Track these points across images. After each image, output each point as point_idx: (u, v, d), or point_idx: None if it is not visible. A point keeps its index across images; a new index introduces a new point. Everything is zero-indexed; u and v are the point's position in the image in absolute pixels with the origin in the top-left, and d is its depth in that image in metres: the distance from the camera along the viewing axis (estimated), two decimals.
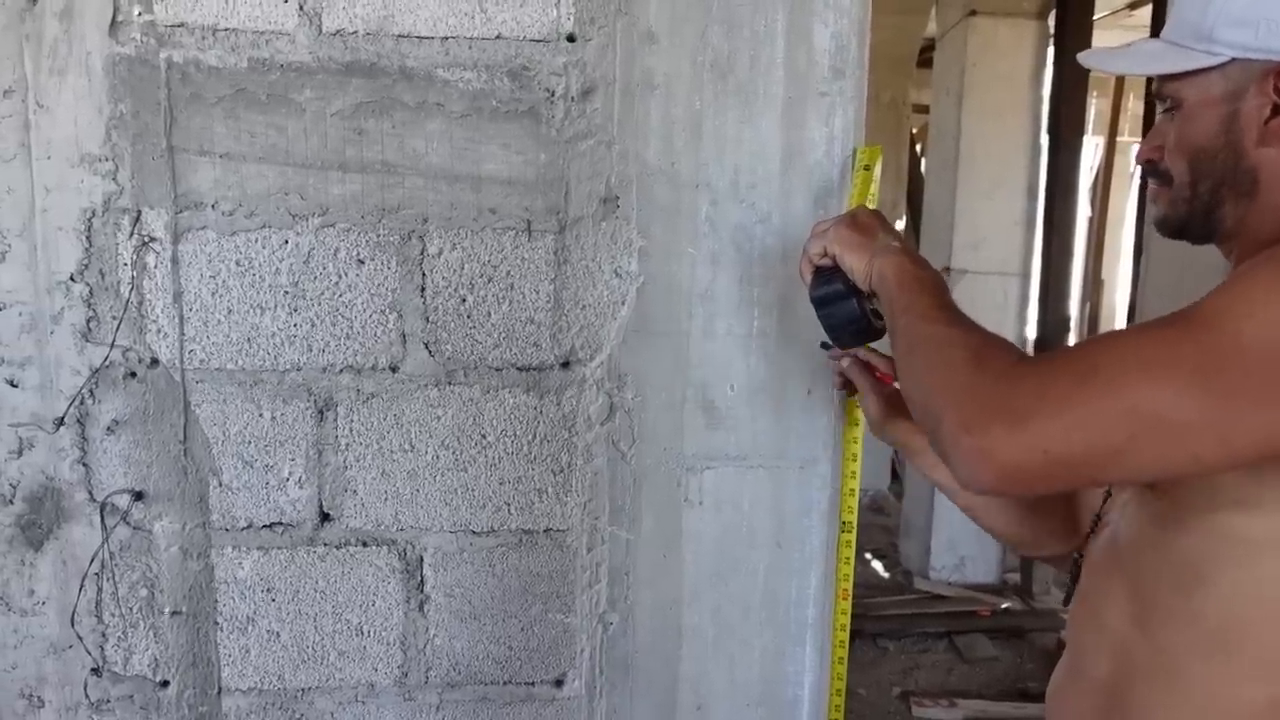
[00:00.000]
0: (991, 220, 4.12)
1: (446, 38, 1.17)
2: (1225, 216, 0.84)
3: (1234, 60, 0.79)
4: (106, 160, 1.16)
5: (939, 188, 4.33)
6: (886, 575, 4.56)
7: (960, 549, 4.30)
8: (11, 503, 1.21)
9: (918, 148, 6.40)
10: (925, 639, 3.85)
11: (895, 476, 5.84)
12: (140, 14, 1.14)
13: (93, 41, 1.14)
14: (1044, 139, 4.13)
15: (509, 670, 1.30)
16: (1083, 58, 0.98)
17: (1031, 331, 4.26)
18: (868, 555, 4.79)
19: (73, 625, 1.23)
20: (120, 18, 1.13)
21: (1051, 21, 4.06)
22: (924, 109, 6.10)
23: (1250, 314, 0.70)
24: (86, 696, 1.25)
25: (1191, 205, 0.85)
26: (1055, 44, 4.02)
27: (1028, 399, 0.73)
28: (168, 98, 1.15)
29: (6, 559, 1.22)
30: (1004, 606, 4.04)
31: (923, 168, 5.93)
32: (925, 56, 5.57)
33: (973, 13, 4.02)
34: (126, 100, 1.15)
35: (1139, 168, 0.95)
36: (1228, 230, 0.85)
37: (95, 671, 1.25)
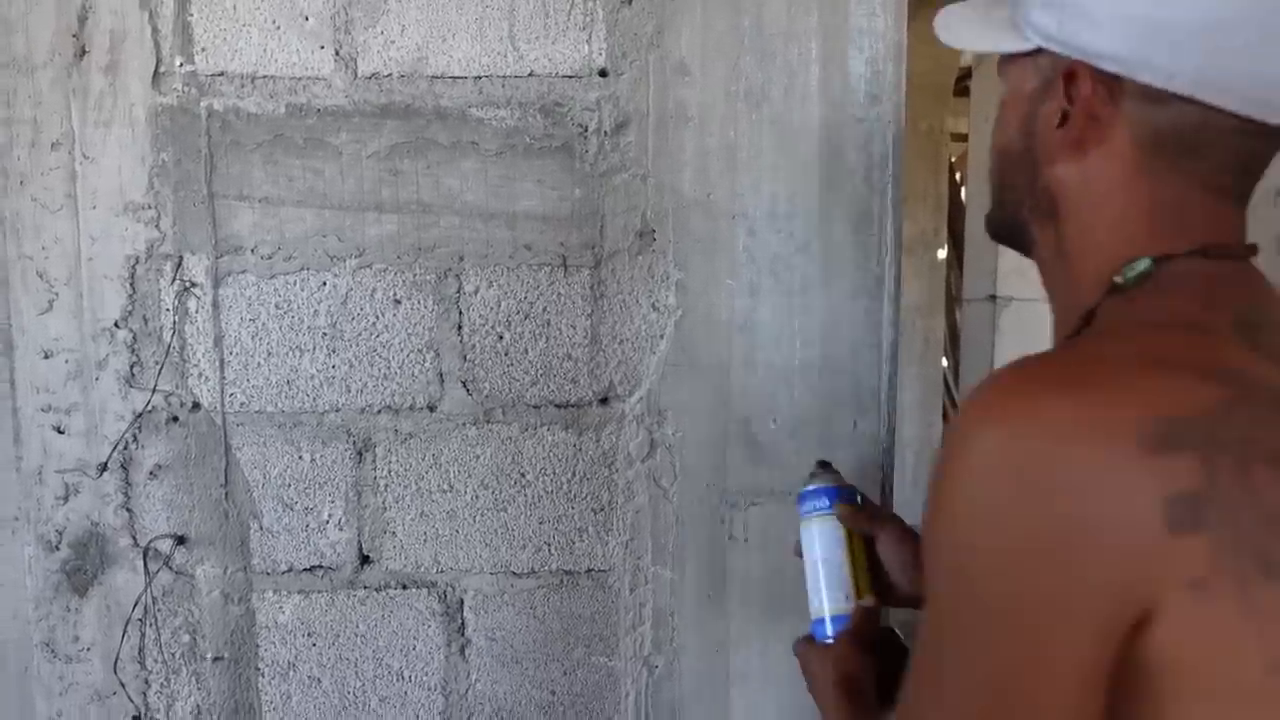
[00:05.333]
0: None
1: (480, 77, 1.17)
2: (1033, 239, 0.69)
3: (1041, 50, 0.62)
4: (149, 208, 1.18)
5: (981, 215, 4.28)
6: None
7: None
8: (58, 549, 1.21)
9: (957, 176, 6.35)
10: None
11: None
12: (182, 64, 1.16)
13: (136, 93, 1.16)
14: None
15: (552, 716, 1.26)
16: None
17: None
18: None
19: (115, 672, 1.23)
20: (163, 69, 1.16)
21: None
22: (962, 137, 6.04)
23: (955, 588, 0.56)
24: None
25: (1002, 211, 0.72)
26: None
27: None
28: (208, 145, 1.17)
29: (53, 605, 1.22)
30: None
31: (963, 196, 5.86)
32: (962, 85, 5.53)
33: None
34: (168, 149, 1.17)
35: None
36: (1041, 258, 0.69)
37: (137, 719, 1.24)
